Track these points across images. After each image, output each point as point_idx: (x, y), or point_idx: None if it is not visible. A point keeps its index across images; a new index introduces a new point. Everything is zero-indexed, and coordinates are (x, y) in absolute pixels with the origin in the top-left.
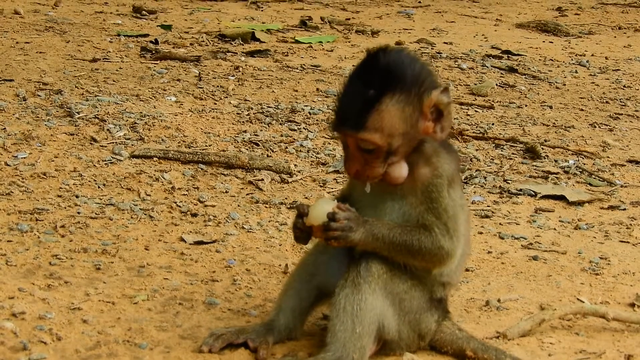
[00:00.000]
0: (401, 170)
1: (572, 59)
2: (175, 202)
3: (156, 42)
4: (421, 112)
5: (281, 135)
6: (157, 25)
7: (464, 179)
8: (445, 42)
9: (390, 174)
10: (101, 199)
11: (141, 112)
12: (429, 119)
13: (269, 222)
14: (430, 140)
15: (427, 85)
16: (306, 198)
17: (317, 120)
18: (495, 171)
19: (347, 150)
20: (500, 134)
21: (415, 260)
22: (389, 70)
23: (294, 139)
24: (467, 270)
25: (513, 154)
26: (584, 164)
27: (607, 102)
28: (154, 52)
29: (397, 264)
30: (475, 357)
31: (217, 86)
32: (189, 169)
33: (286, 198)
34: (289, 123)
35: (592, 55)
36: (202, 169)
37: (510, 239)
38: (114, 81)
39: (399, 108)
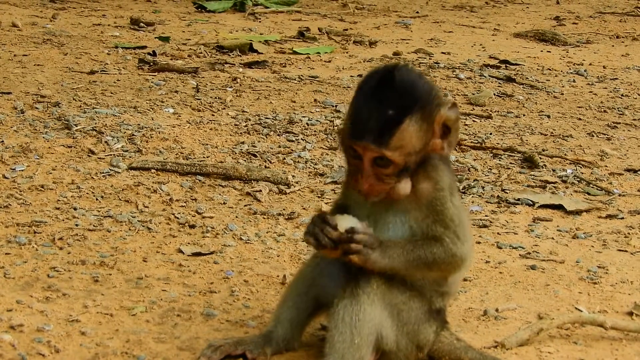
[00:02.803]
0: (407, 186)
1: (570, 68)
2: (173, 214)
3: (154, 53)
4: (432, 129)
5: (279, 146)
6: (155, 37)
7: (462, 189)
8: (443, 52)
9: (396, 190)
10: (99, 211)
11: (139, 124)
12: (437, 136)
13: (267, 233)
14: (431, 155)
15: (437, 103)
16: (304, 209)
17: (315, 131)
18: (493, 181)
19: (356, 163)
20: (498, 143)
21: (432, 272)
22: (405, 88)
23: (292, 150)
24: (465, 279)
25: (511, 163)
26: (582, 173)
27: (605, 111)
28: (151, 63)
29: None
30: None
31: (215, 97)
32: (187, 180)
33: (284, 209)
34: (287, 134)
35: (590, 64)
36: (200, 180)
37: (508, 249)
38: (111, 93)
39: (416, 127)
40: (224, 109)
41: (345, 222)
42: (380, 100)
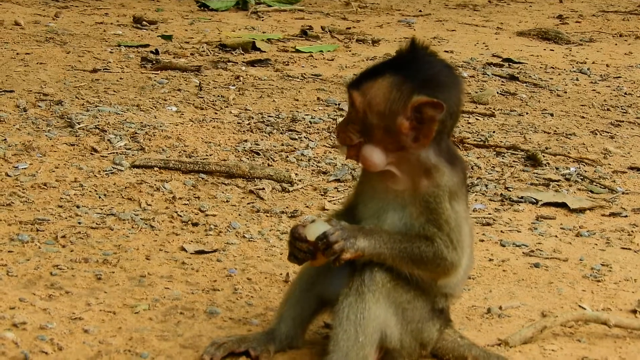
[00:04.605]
0: (372, 154)
1: (573, 67)
2: (176, 212)
3: (157, 52)
4: (405, 107)
5: (282, 145)
6: (158, 36)
7: None
8: (446, 51)
9: (362, 153)
10: (102, 209)
11: (142, 122)
12: (408, 118)
13: (270, 231)
14: (429, 151)
15: (426, 91)
16: (307, 207)
17: (317, 129)
18: (496, 179)
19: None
20: (501, 141)
21: (419, 269)
22: (411, 60)
23: (295, 148)
24: (468, 277)
25: (514, 161)
26: (585, 171)
27: (608, 109)
28: (154, 62)
29: (400, 274)
30: None
31: (218, 96)
32: (190, 178)
33: (287, 207)
34: (290, 132)
35: (593, 62)
36: (203, 178)
37: (511, 247)
38: (114, 91)
39: (388, 88)
40: (227, 107)
41: (313, 229)
42: (385, 63)
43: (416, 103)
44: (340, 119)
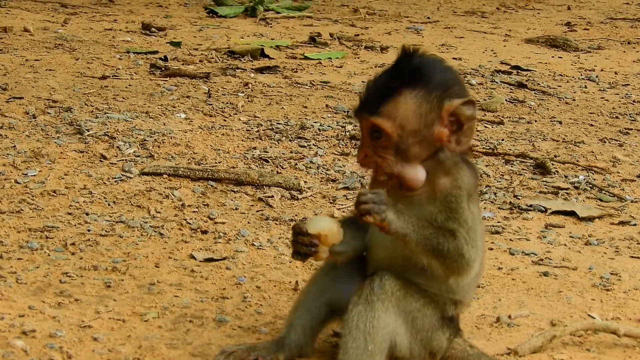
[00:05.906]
0: (416, 173)
1: (581, 74)
2: (185, 219)
3: (165, 59)
4: (439, 116)
5: (291, 152)
6: (167, 42)
7: None
8: (454, 58)
9: (404, 176)
10: (111, 217)
11: (151, 129)
12: (445, 126)
13: (279, 239)
14: (450, 152)
15: (451, 93)
16: (316, 214)
17: (326, 136)
18: (505, 187)
19: (362, 138)
20: (510, 149)
21: (437, 260)
22: (418, 68)
23: (304, 155)
24: (477, 286)
25: (523, 169)
26: (594, 180)
27: (616, 117)
28: (163, 69)
29: (409, 282)
30: None
31: (227, 103)
32: (199, 186)
33: (296, 215)
34: (299, 139)
35: (602, 70)
36: (212, 185)
37: (520, 255)
38: (123, 98)
39: (416, 103)
40: (236, 114)
41: (314, 222)
42: (387, 77)
43: (451, 108)
44: (348, 127)
